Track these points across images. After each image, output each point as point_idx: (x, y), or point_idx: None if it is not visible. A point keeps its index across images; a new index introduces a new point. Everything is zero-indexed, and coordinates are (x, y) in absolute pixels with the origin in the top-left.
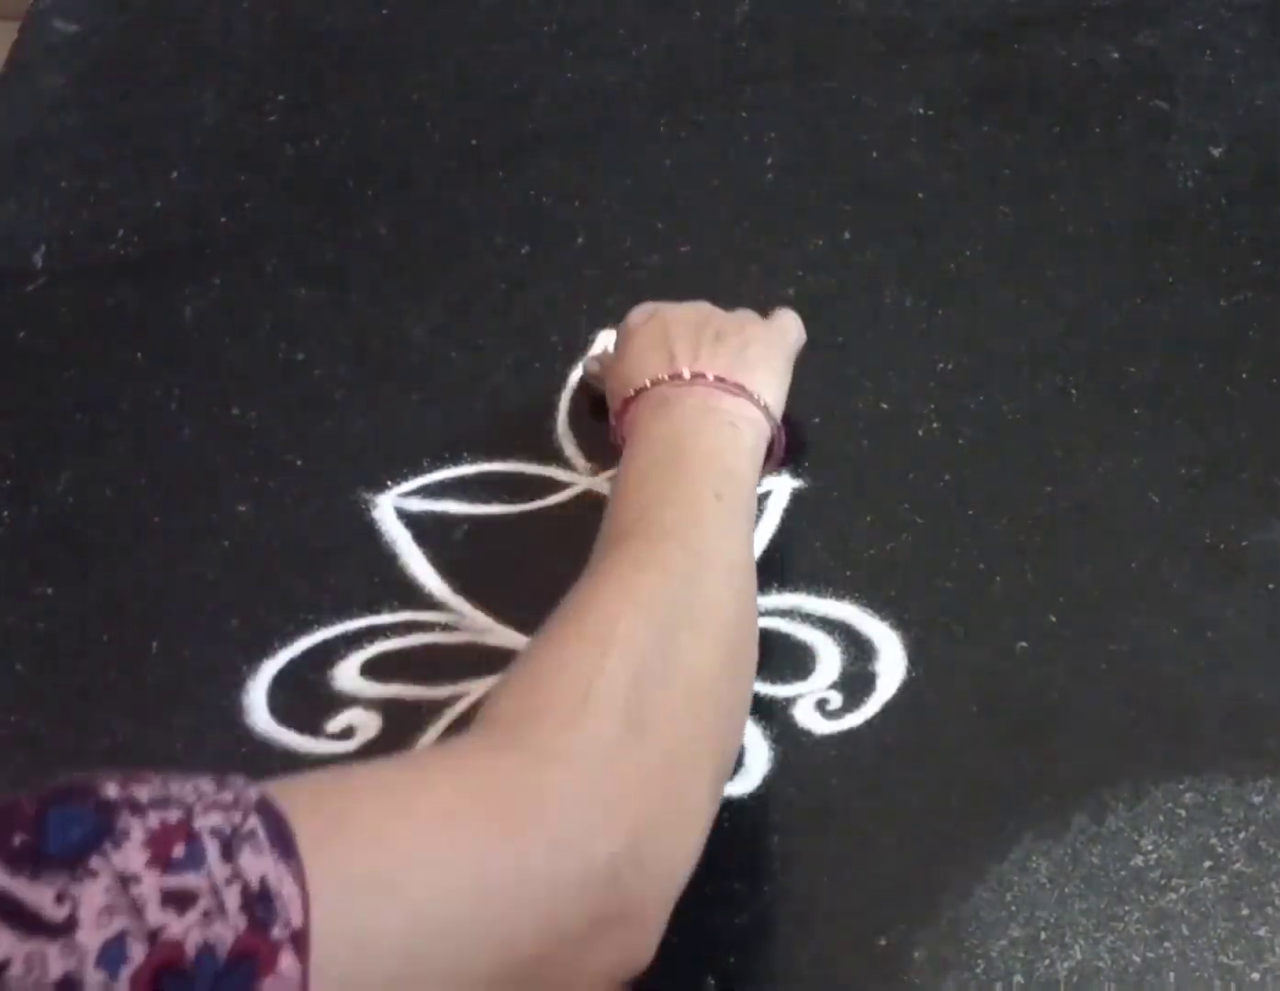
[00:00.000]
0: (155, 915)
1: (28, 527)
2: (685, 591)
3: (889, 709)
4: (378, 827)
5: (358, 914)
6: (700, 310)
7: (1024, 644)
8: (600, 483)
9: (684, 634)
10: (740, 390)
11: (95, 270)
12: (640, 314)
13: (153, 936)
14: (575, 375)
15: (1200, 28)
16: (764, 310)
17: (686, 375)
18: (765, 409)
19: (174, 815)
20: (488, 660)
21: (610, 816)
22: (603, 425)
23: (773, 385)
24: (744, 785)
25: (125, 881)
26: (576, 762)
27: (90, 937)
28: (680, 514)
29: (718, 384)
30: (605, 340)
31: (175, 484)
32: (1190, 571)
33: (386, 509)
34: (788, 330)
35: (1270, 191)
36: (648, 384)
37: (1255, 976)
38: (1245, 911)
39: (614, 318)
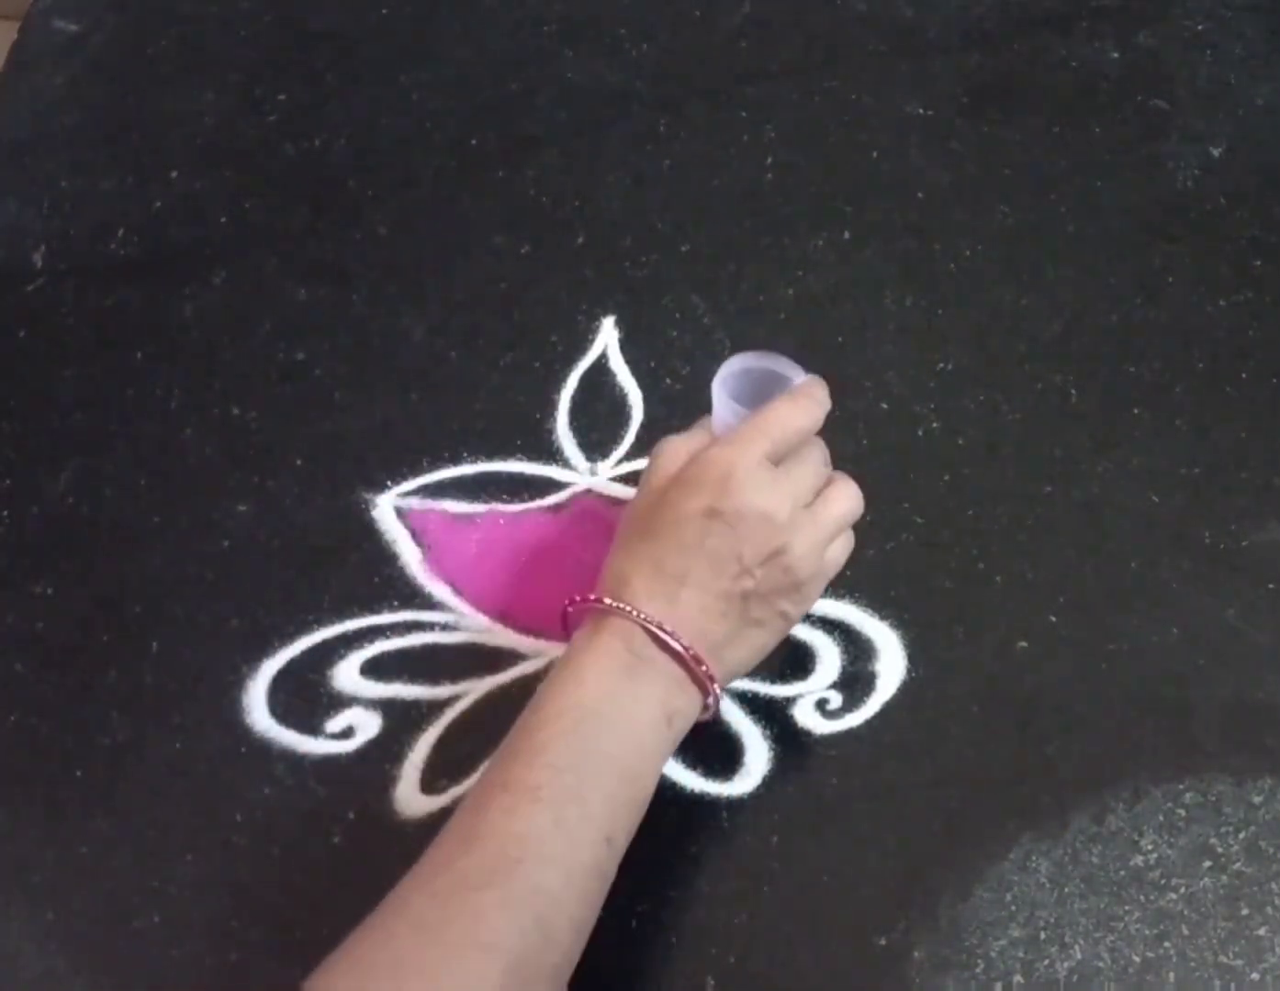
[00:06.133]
0: None
1: (28, 527)
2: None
3: (889, 709)
4: None
5: None
6: (774, 525)
7: (1024, 644)
8: (600, 482)
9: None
10: (713, 685)
11: (95, 270)
12: (712, 467)
13: None
14: (575, 375)
15: (1200, 28)
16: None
17: (685, 648)
18: (716, 705)
19: None
20: (488, 660)
21: None
22: (603, 426)
23: (750, 665)
24: (744, 785)
25: None
26: None
27: None
28: (575, 813)
29: (705, 675)
30: (608, 331)
31: (175, 484)
32: (1190, 571)
33: (386, 509)
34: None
35: (1270, 191)
36: (641, 615)
37: (1255, 976)
38: (1245, 911)
39: (614, 317)
